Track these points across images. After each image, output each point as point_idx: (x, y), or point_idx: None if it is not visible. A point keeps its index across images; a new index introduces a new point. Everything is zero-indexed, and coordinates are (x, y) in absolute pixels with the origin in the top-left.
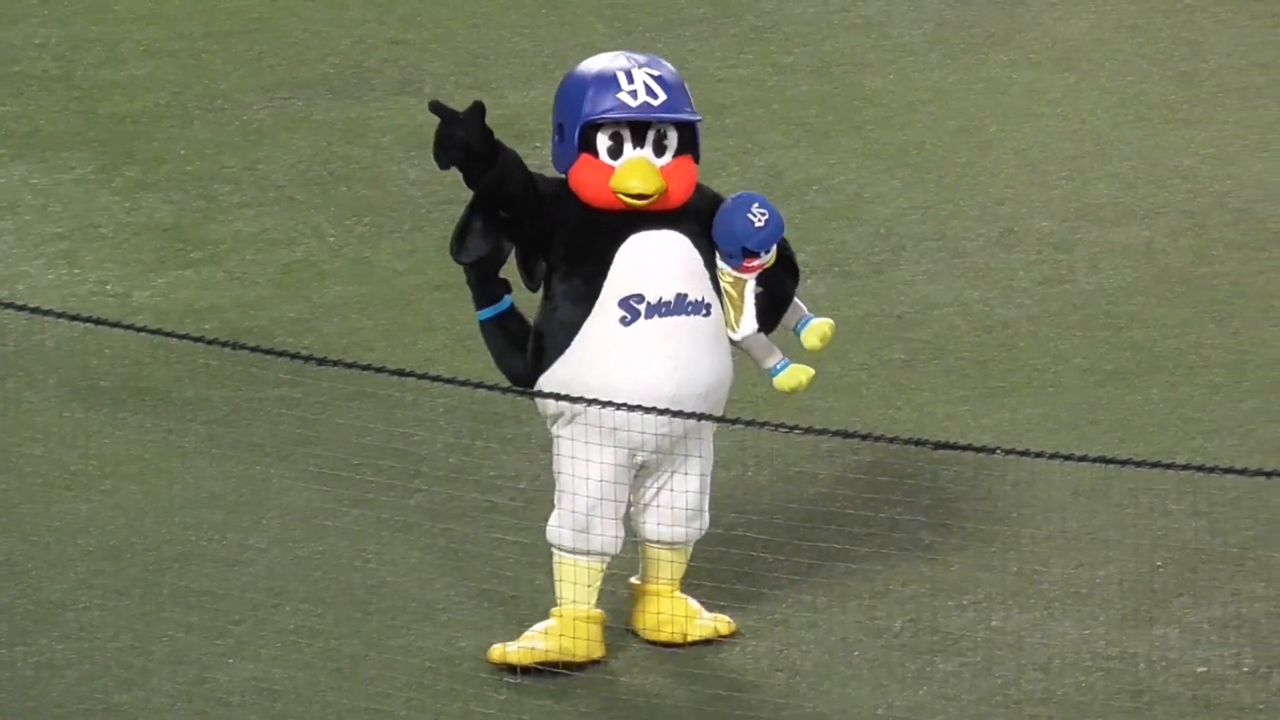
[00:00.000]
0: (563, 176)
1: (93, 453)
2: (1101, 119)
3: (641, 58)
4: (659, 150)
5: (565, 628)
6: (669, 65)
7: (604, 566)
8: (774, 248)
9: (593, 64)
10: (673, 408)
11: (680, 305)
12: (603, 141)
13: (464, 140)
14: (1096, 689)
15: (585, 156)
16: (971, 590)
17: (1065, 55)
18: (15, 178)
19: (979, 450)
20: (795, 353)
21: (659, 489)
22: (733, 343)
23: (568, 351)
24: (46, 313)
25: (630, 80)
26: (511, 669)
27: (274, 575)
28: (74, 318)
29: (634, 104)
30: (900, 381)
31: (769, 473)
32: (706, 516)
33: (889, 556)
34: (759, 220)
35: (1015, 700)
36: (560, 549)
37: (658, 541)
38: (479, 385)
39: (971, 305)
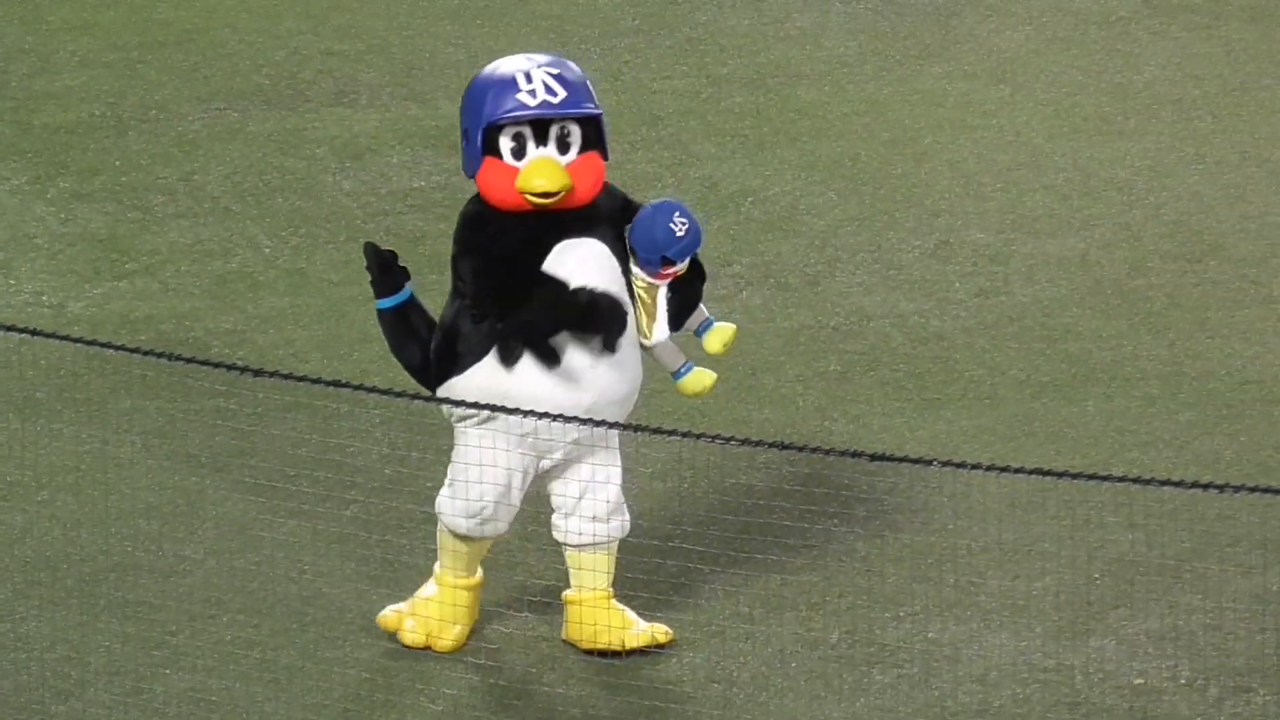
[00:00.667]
0: (475, 193)
1: (28, 463)
2: (1036, 131)
3: (542, 58)
4: (562, 148)
5: (446, 595)
6: (572, 64)
7: (492, 542)
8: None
9: (494, 67)
10: (592, 415)
11: None
12: (505, 143)
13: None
14: (1033, 701)
15: (489, 159)
16: (908, 602)
17: (1000, 67)
18: None
19: (915, 462)
20: (697, 356)
21: (580, 495)
22: (643, 347)
23: (487, 358)
24: None
25: (529, 80)
26: (404, 646)
27: (210, 586)
28: (9, 328)
29: (533, 103)
30: (836, 393)
31: (705, 484)
32: (626, 514)
33: (825, 568)
34: (680, 229)
35: (952, 712)
36: (454, 532)
37: (580, 546)
38: (414, 396)
39: (907, 317)
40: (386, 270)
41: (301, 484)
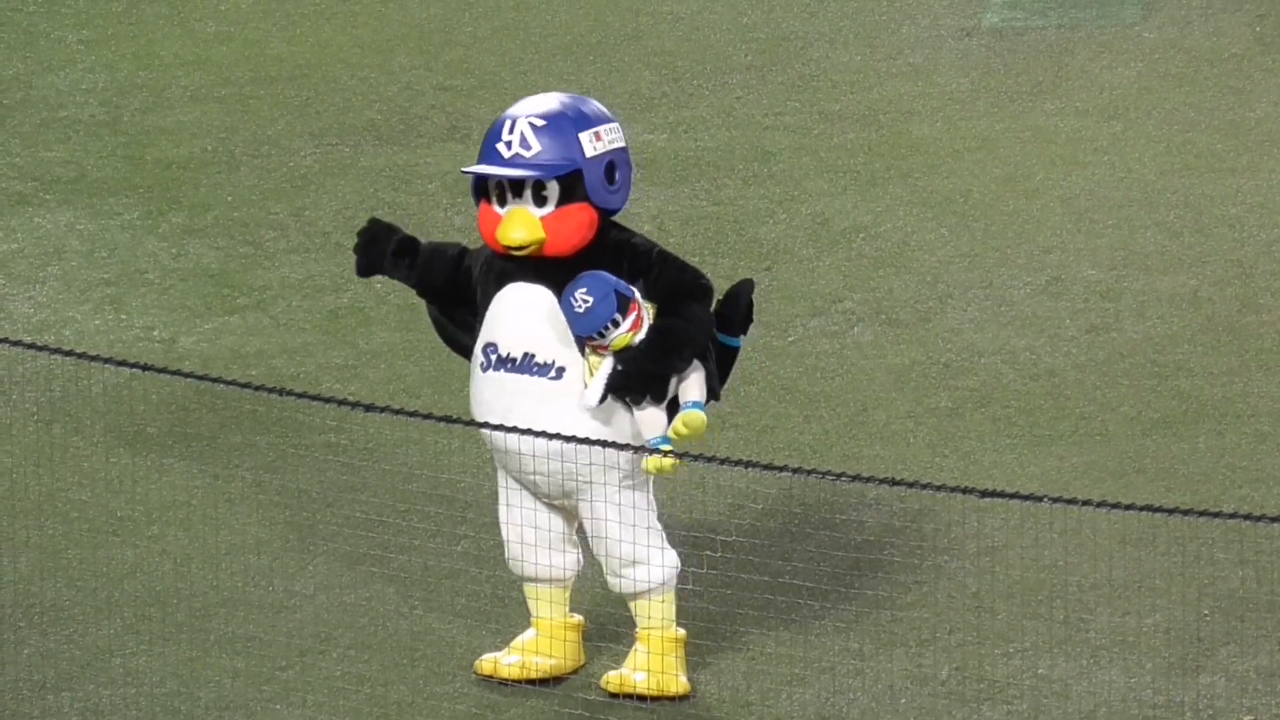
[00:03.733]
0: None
1: (139, 498)
2: (1148, 167)
3: (539, 105)
4: (539, 201)
5: (544, 638)
6: (576, 109)
7: (563, 588)
8: (620, 331)
9: (509, 109)
10: (520, 459)
11: (525, 364)
12: (492, 189)
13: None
14: None
15: (484, 204)
16: (1018, 638)
17: (1112, 104)
18: (62, 223)
19: (1025, 498)
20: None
21: (595, 544)
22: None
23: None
24: (93, 358)
25: (511, 130)
26: (501, 681)
27: (320, 621)
28: (120, 363)
29: (507, 155)
30: (947, 429)
31: (816, 520)
32: (649, 570)
33: (936, 604)
34: (579, 306)
35: None
36: (514, 576)
37: (633, 594)
38: (525, 432)
39: (1018, 353)
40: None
41: (412, 519)
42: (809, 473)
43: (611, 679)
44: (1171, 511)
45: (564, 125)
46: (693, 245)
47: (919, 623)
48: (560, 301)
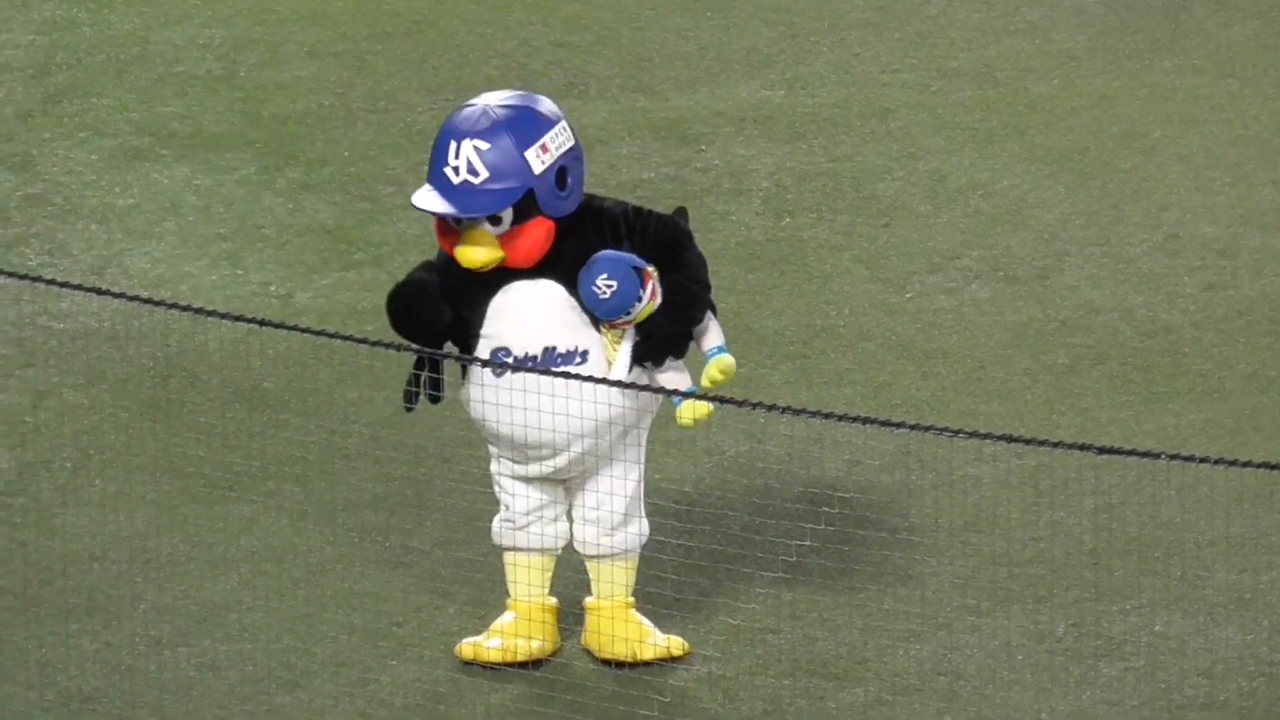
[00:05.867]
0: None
1: (255, 454)
2: (1265, 125)
3: (480, 122)
4: (494, 221)
5: (522, 621)
6: (515, 122)
7: (553, 560)
8: (643, 304)
9: (450, 118)
10: (552, 450)
11: (549, 359)
12: None
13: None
14: (1259, 695)
15: (438, 220)
16: (1134, 595)
17: (1229, 61)
18: (178, 179)
19: (1142, 455)
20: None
21: (596, 505)
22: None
23: (466, 382)
24: (210, 314)
25: (457, 154)
26: (482, 665)
27: (436, 577)
28: (237, 319)
29: (456, 181)
30: (1063, 386)
31: (932, 477)
32: (644, 525)
33: (1052, 561)
34: (603, 293)
35: (1178, 705)
36: (503, 547)
37: (597, 556)
38: (644, 388)
39: (1135, 311)
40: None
41: None
42: (926, 429)
43: (616, 646)
44: None
45: (508, 147)
46: (809, 202)
47: (1035, 579)
48: (581, 291)
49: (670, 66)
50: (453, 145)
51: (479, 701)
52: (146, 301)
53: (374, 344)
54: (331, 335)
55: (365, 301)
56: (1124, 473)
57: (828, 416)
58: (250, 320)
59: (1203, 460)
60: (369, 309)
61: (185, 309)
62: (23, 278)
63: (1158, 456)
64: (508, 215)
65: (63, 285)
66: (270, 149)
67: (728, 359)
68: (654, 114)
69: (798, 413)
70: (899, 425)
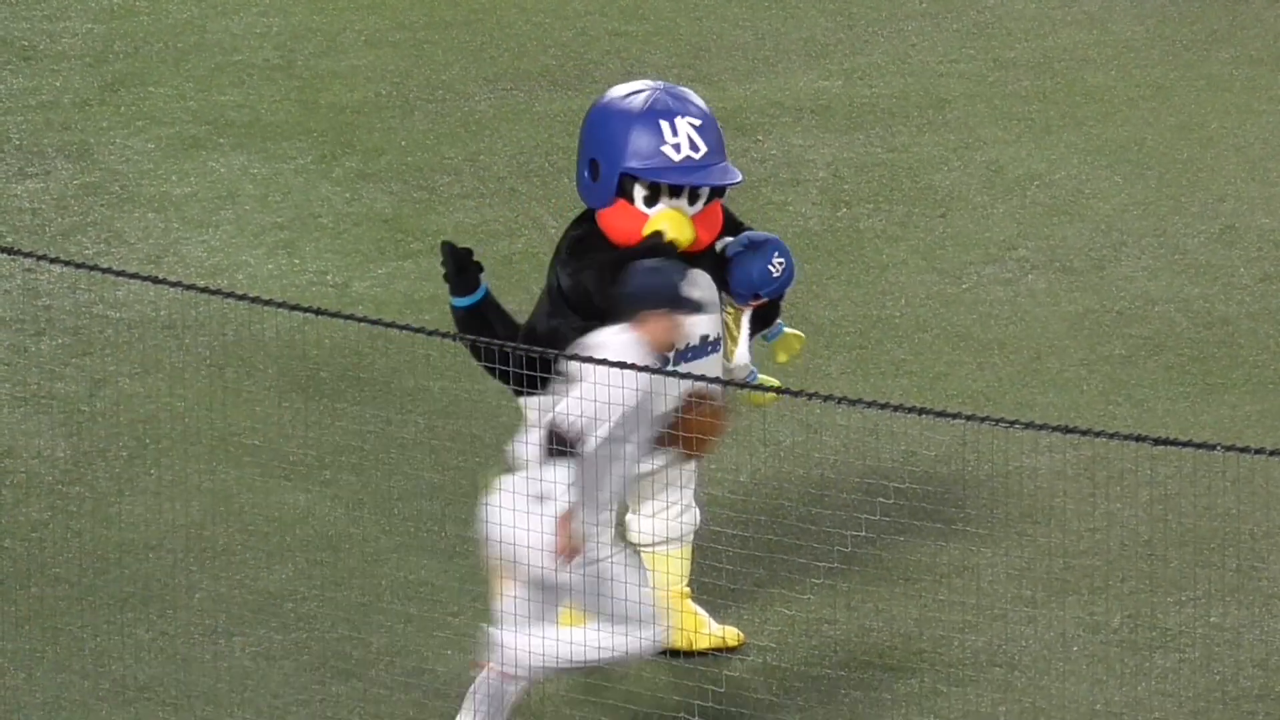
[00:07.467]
0: (582, 214)
1: (311, 443)
2: None
3: (676, 100)
4: (692, 199)
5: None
6: (700, 103)
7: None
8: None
9: (630, 102)
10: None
11: (702, 349)
12: (639, 191)
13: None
14: None
15: (621, 202)
16: (1190, 586)
17: None
18: (235, 167)
19: (1198, 446)
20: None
21: (651, 496)
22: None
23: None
24: (266, 302)
25: (674, 132)
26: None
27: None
28: (293, 307)
29: (677, 158)
30: (1120, 377)
31: (988, 468)
32: (695, 514)
33: (1108, 552)
34: (776, 270)
35: (1233, 696)
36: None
37: (651, 545)
38: (699, 378)
39: (1192, 301)
40: (463, 269)
41: None
42: (982, 420)
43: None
44: None
45: (712, 124)
46: (866, 192)
47: (1091, 570)
48: (744, 272)
49: (728, 56)
50: (666, 125)
51: (534, 691)
52: (203, 290)
53: (430, 333)
54: (388, 324)
55: (421, 290)
56: (1180, 464)
57: (884, 407)
58: (307, 309)
59: (1258, 451)
60: (425, 298)
61: (242, 298)
62: (80, 266)
63: (1213, 448)
64: (704, 194)
65: (119, 274)
66: (327, 138)
67: (798, 333)
68: (711, 104)
69: (854, 403)
70: (955, 416)
